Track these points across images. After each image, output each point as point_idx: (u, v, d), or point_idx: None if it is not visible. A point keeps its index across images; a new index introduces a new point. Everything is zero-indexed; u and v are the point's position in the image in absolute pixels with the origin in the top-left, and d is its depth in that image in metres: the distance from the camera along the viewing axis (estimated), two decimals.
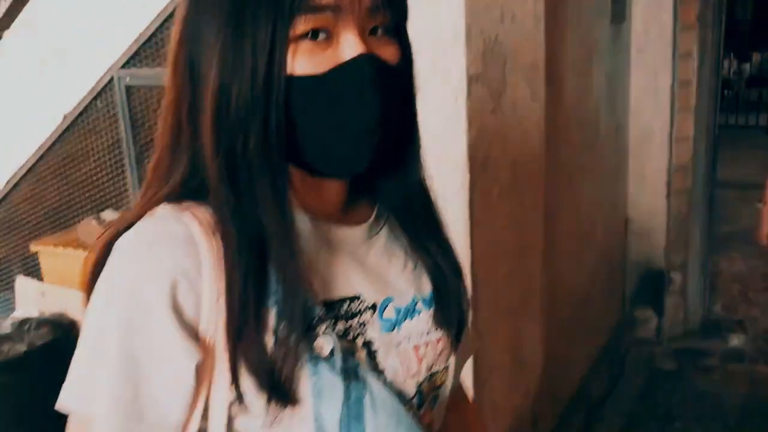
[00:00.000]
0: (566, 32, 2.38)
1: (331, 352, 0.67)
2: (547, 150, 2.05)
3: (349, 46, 0.66)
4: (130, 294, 0.65)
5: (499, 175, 1.73)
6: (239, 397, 0.65)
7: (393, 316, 0.75)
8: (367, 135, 0.68)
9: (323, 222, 0.74)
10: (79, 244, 3.06)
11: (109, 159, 2.85)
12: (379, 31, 0.69)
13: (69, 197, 3.06)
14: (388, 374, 0.73)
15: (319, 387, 0.66)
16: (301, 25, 0.64)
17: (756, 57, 10.37)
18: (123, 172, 2.79)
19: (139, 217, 0.69)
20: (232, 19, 0.65)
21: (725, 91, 10.22)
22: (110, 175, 2.87)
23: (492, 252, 1.72)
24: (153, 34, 2.48)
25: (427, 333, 0.78)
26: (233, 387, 0.65)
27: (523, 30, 1.76)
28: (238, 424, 0.67)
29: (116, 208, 3.00)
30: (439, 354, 0.78)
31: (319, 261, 0.72)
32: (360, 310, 0.73)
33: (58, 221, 3.13)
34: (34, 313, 3.04)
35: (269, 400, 0.65)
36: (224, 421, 0.66)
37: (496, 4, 1.61)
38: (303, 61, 0.65)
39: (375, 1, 0.67)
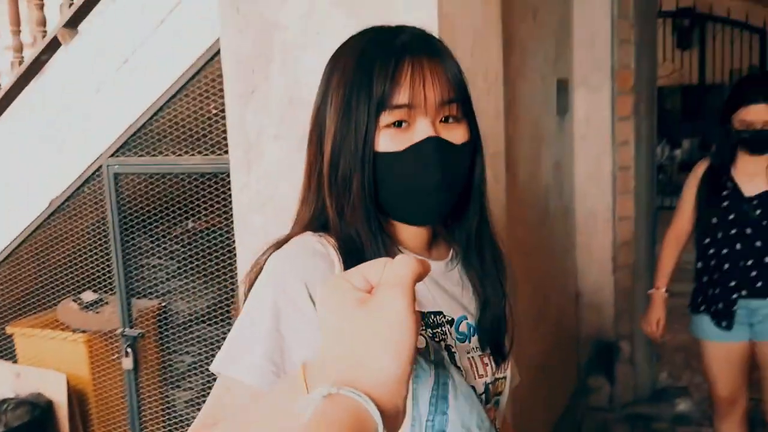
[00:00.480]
0: (519, 124, 2.67)
1: (426, 347, 0.89)
2: (509, 227, 2.29)
3: (421, 131, 0.92)
4: (279, 287, 0.90)
5: None
6: None
7: (465, 330, 1.01)
8: (433, 196, 0.94)
9: (417, 255, 0.96)
10: (57, 325, 3.15)
11: (93, 242, 2.98)
12: (450, 120, 0.95)
13: (48, 279, 3.15)
14: (464, 372, 0.96)
15: (416, 372, 0.87)
16: (386, 117, 0.92)
17: (686, 143, 11.09)
18: (108, 253, 2.92)
19: (288, 241, 0.97)
20: (342, 112, 0.93)
21: (659, 176, 10.85)
22: (93, 257, 2.99)
23: None
24: (143, 126, 2.67)
25: (481, 348, 1.02)
26: None
27: (487, 123, 2.02)
28: None
29: (96, 290, 3.11)
30: (486, 365, 1.02)
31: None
32: (442, 322, 0.98)
33: (36, 303, 3.20)
34: (10, 395, 3.09)
35: None
36: None
37: None
38: (388, 142, 0.93)
39: (442, 99, 0.93)
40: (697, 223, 2.65)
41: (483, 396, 0.99)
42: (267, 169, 1.95)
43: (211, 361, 2.60)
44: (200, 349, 2.94)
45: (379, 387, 0.56)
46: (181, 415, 2.99)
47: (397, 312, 0.59)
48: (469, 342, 1.00)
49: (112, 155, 2.74)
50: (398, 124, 0.92)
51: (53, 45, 2.79)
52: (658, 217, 4.14)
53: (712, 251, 2.58)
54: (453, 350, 0.96)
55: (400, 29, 0.97)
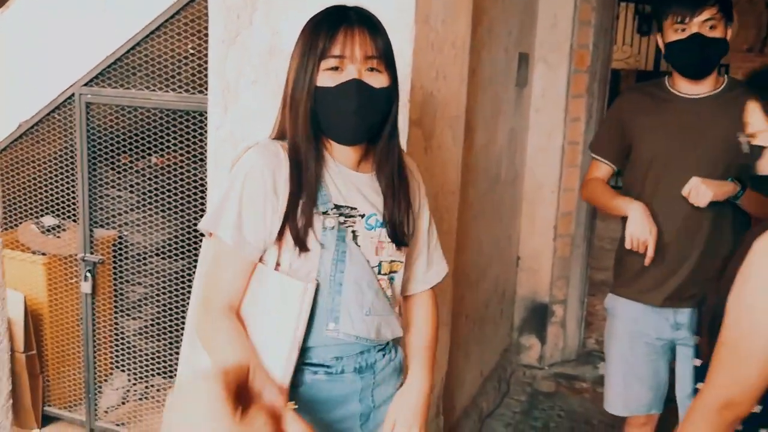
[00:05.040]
0: (480, 92, 2.83)
1: (333, 228, 1.38)
2: (461, 188, 2.47)
3: (348, 74, 1.34)
4: (249, 173, 1.35)
5: None
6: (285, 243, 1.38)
7: (373, 223, 1.44)
8: (351, 120, 1.35)
9: (346, 168, 1.43)
10: (16, 246, 3.22)
11: (59, 168, 3.04)
12: (373, 70, 1.36)
13: (11, 201, 3.20)
14: (362, 248, 1.42)
15: (323, 241, 1.37)
16: (325, 63, 1.34)
17: None
18: (72, 181, 2.99)
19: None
20: (299, 59, 1.37)
21: None
22: (57, 183, 3.06)
23: None
24: (119, 58, 2.74)
25: (387, 239, 1.46)
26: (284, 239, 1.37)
27: (451, 88, 2.18)
28: (282, 258, 1.39)
29: (58, 215, 3.18)
30: (396, 250, 1.47)
31: (339, 186, 1.41)
32: (354, 214, 1.42)
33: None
34: None
35: (297, 246, 1.36)
36: (276, 254, 1.39)
37: (433, 65, 2.02)
38: (326, 80, 1.35)
39: (365, 54, 1.34)
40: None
41: (376, 268, 1.44)
42: (243, 112, 2.07)
43: (164, 292, 2.92)
44: (154, 281, 3.05)
45: None
46: (131, 343, 3.11)
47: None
48: (374, 231, 1.44)
49: (86, 84, 2.80)
50: (335, 69, 1.34)
51: None
52: None
53: None
54: (357, 234, 1.41)
55: (348, 8, 1.37)
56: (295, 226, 1.34)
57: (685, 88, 2.23)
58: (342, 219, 1.39)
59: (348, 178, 1.42)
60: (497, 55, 3.07)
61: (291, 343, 1.35)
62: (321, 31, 1.33)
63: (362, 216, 1.42)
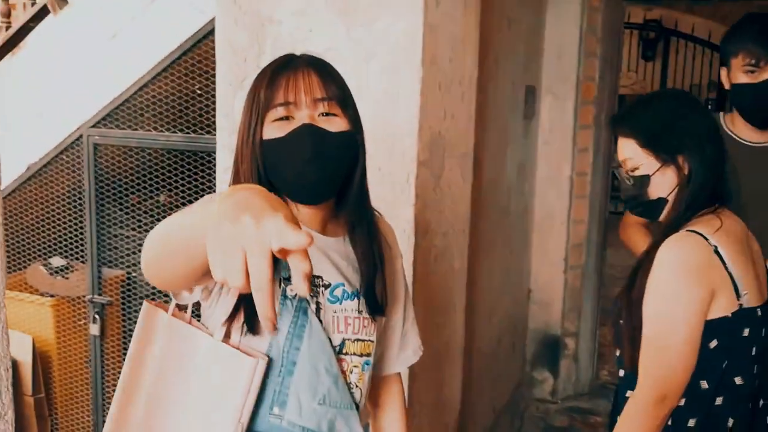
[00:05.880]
0: (487, 126, 2.82)
1: (295, 296, 1.16)
2: (471, 224, 2.45)
3: (298, 120, 1.17)
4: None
5: (436, 241, 2.10)
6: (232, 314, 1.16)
7: (339, 294, 1.24)
8: (309, 174, 1.16)
9: (311, 231, 1.21)
10: (25, 288, 3.21)
11: (67, 209, 3.04)
12: (327, 114, 1.18)
13: (19, 242, 3.20)
14: (323, 324, 1.20)
15: (281, 311, 1.16)
16: (271, 114, 1.18)
17: None
18: (80, 221, 2.99)
19: None
20: (243, 115, 1.21)
21: (615, 182, 11.16)
22: (65, 224, 3.06)
23: (427, 305, 2.08)
24: (126, 99, 2.75)
25: (359, 311, 1.26)
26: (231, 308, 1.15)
27: (459, 126, 2.17)
28: (232, 328, 1.17)
29: (67, 256, 3.18)
30: (364, 327, 1.27)
31: None
32: (319, 284, 1.22)
33: (7, 264, 3.24)
34: None
35: (247, 327, 1.15)
36: (223, 321, 1.16)
37: (440, 105, 2.01)
38: (274, 131, 1.17)
39: (314, 97, 1.17)
40: None
41: (338, 347, 1.23)
42: None
43: None
44: None
45: None
46: None
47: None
48: (340, 304, 1.24)
49: (93, 126, 2.81)
50: (284, 119, 1.17)
51: (42, 13, 2.85)
52: (615, 223, 4.35)
53: None
54: (321, 307, 1.21)
55: (294, 55, 1.24)
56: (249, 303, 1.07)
57: (749, 134, 2.01)
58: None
59: (314, 242, 1.24)
60: (504, 89, 3.07)
61: (234, 425, 1.13)
62: (263, 81, 1.19)
63: (326, 286, 1.23)
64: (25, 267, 3.18)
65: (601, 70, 3.70)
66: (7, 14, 3.06)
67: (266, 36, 1.95)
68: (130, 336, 3.21)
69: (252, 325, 1.16)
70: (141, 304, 3.19)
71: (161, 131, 2.76)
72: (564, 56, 3.63)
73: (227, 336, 1.16)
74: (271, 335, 1.16)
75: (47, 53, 2.91)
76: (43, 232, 3.15)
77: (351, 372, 1.25)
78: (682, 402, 1.50)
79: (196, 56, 2.61)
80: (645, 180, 1.56)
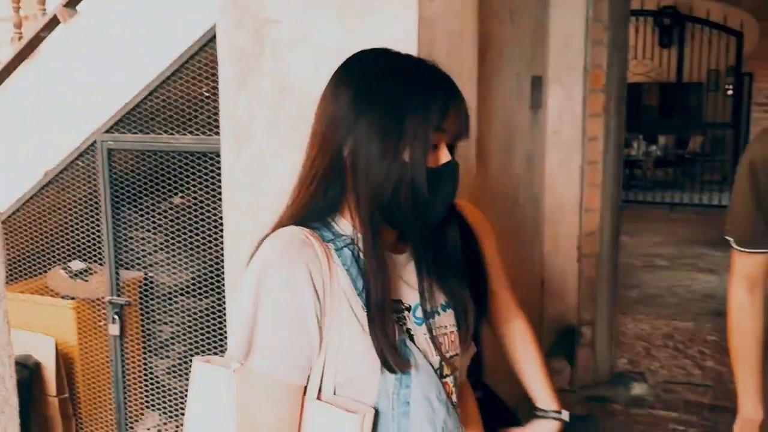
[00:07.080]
0: (492, 117, 2.84)
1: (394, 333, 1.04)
2: None
3: (444, 154, 1.07)
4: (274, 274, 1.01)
5: None
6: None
7: (421, 315, 1.12)
8: (440, 211, 1.09)
9: (388, 252, 1.11)
10: (46, 291, 3.29)
11: (84, 213, 3.11)
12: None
13: (39, 247, 3.28)
14: (422, 351, 1.09)
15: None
16: (433, 138, 1.05)
17: (662, 139, 11.35)
18: (97, 225, 3.05)
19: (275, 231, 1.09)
20: (388, 127, 1.04)
21: (635, 170, 11.11)
22: (83, 228, 3.12)
23: None
24: (137, 105, 2.81)
25: (445, 327, 1.17)
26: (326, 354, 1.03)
27: None
28: (324, 381, 1.04)
29: (85, 259, 3.25)
30: (452, 342, 1.17)
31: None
32: (402, 308, 1.11)
33: (27, 269, 3.32)
34: None
35: (386, 367, 1.03)
36: (318, 376, 1.03)
37: None
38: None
39: (466, 133, 1.09)
40: None
41: (438, 371, 1.11)
42: (256, 152, 2.11)
43: (192, 330, 2.77)
44: (181, 319, 3.09)
45: None
46: (161, 382, 3.15)
47: None
48: (424, 326, 1.12)
49: (107, 131, 2.87)
50: (434, 146, 1.06)
51: (52, 23, 2.91)
52: (630, 212, 4.35)
53: None
54: (412, 333, 1.10)
55: (424, 62, 1.12)
56: (385, 338, 1.02)
57: None
58: (395, 316, 1.08)
59: (392, 265, 1.11)
60: (509, 80, 3.08)
61: None
62: (431, 95, 1.04)
63: (408, 309, 1.12)
64: (45, 271, 3.26)
65: (608, 58, 3.69)
66: (19, 25, 3.13)
67: (265, 37, 1.99)
68: (150, 334, 3.26)
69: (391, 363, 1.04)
70: (159, 303, 3.23)
71: (172, 134, 2.81)
72: (571, 45, 3.63)
73: (320, 391, 1.04)
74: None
75: (59, 63, 2.98)
76: (62, 236, 3.22)
77: (452, 393, 1.15)
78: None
79: (203, 59, 2.66)
80: None
